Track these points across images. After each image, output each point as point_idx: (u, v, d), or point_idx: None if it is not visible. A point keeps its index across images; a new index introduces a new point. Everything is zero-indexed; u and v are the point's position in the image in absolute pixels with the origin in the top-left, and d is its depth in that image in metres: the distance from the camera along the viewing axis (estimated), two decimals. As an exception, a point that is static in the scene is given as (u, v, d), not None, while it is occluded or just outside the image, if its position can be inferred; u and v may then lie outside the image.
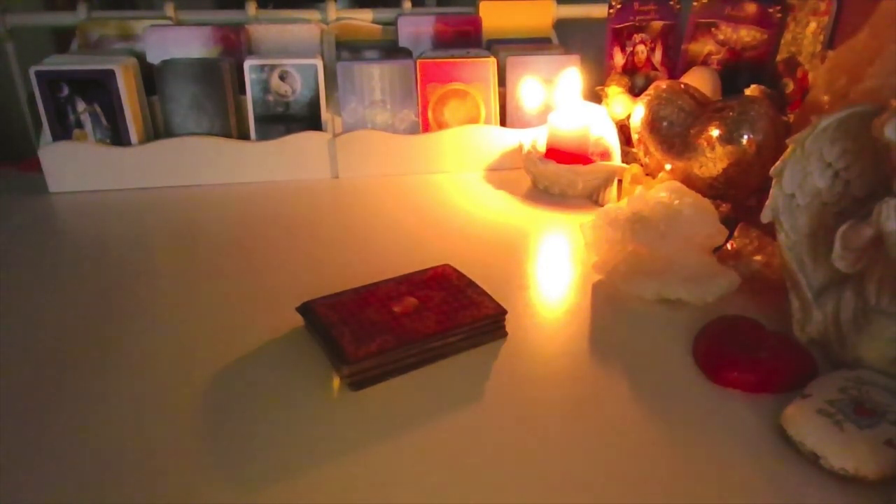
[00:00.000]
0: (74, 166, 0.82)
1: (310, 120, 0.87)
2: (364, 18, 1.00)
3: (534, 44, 0.98)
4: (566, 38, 1.02)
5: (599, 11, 0.95)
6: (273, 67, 0.85)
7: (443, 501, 0.41)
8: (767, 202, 0.53)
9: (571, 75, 0.87)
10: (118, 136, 0.83)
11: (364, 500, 0.41)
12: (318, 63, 0.85)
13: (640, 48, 0.94)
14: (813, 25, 0.82)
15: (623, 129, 0.85)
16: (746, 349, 0.52)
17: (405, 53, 0.95)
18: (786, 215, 0.53)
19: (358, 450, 0.44)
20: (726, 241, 0.65)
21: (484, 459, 0.44)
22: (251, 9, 0.97)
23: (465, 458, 0.44)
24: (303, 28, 0.94)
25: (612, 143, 0.83)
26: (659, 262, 0.61)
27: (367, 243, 0.73)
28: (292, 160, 0.87)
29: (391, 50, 0.97)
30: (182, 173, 0.85)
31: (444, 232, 0.75)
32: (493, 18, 1.00)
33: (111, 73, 0.81)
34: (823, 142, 0.51)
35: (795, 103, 0.80)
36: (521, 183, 0.86)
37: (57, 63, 0.81)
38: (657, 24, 0.93)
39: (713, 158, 0.68)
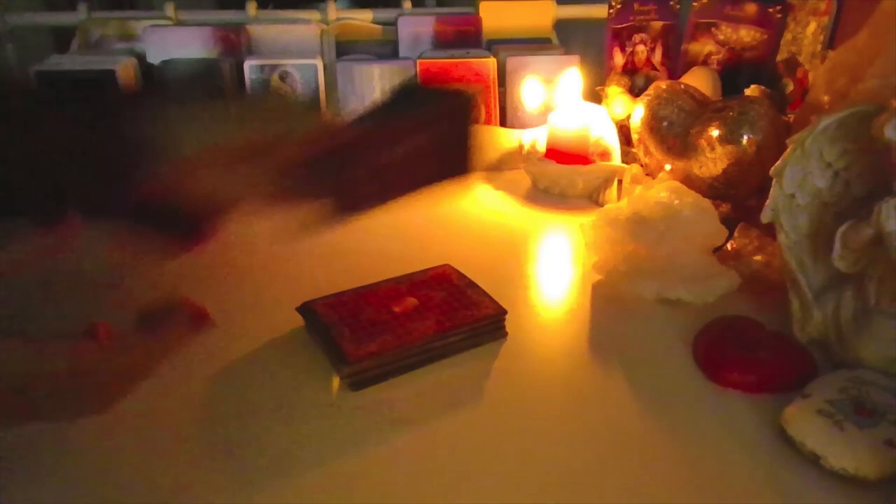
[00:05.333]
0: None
1: (310, 120, 0.87)
2: (364, 18, 1.00)
3: (534, 44, 0.98)
4: (566, 38, 1.02)
5: (599, 11, 0.95)
6: (273, 67, 0.85)
7: (443, 501, 0.41)
8: (767, 202, 0.53)
9: (571, 75, 0.87)
10: (118, 136, 0.83)
11: (364, 500, 0.41)
12: (318, 63, 0.85)
13: (640, 48, 0.93)
14: (813, 25, 0.82)
15: (623, 129, 0.85)
16: (746, 349, 0.52)
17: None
18: (786, 215, 0.53)
19: (358, 450, 0.44)
20: (726, 241, 0.65)
21: (484, 459, 0.44)
22: (251, 9, 0.97)
23: (465, 458, 0.44)
24: (303, 28, 0.94)
25: (612, 143, 0.83)
26: (659, 262, 0.61)
27: (367, 243, 0.73)
28: (292, 160, 0.87)
29: (391, 50, 0.98)
30: (182, 173, 0.85)
31: (444, 232, 0.75)
32: (493, 18, 1.00)
33: (111, 73, 0.81)
34: (823, 142, 0.51)
35: (795, 103, 0.80)
36: (521, 183, 0.86)
37: (57, 63, 0.81)
38: (657, 24, 0.93)
39: (713, 158, 0.68)
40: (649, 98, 0.76)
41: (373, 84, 0.87)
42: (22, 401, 0.33)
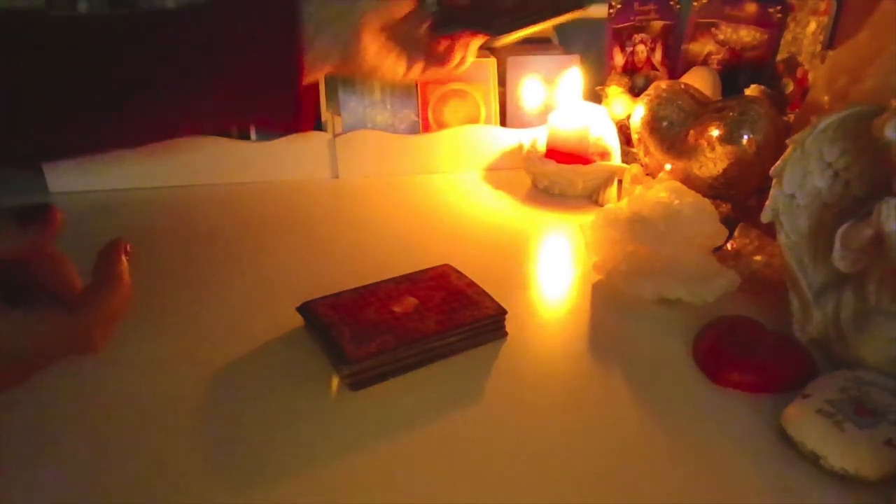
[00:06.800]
0: (74, 166, 0.82)
1: (310, 120, 0.87)
2: (364, 18, 1.00)
3: (534, 44, 0.98)
4: (566, 38, 1.02)
5: (599, 11, 0.95)
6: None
7: (443, 501, 0.41)
8: (767, 202, 0.53)
9: (572, 75, 0.87)
10: (118, 136, 0.83)
11: (364, 500, 0.41)
12: (318, 63, 0.85)
13: (640, 48, 0.93)
14: (813, 25, 0.82)
15: (623, 129, 0.85)
16: (746, 349, 0.52)
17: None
18: (786, 215, 0.53)
19: (358, 450, 0.44)
20: (726, 241, 0.65)
21: (484, 459, 0.44)
22: None
23: (465, 458, 0.44)
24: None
25: (612, 143, 0.83)
26: (659, 262, 0.61)
27: (367, 243, 0.73)
28: (292, 160, 0.87)
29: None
30: (182, 173, 0.85)
31: (444, 232, 0.75)
32: (493, 18, 1.00)
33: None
34: (823, 142, 0.51)
35: (795, 103, 0.80)
36: (521, 183, 0.86)
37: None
38: (657, 24, 0.93)
39: (713, 158, 0.68)
40: (649, 98, 0.76)
41: (373, 84, 0.87)
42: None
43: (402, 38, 0.54)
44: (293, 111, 0.51)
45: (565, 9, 0.55)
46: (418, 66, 0.55)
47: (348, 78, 0.85)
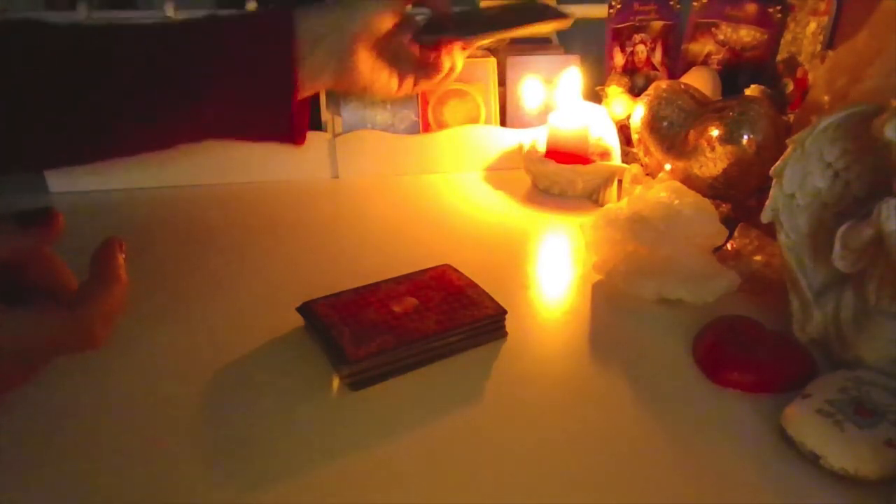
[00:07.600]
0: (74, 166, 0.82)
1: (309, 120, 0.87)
2: (364, 18, 0.99)
3: (534, 44, 0.98)
4: (566, 38, 1.02)
5: (599, 11, 0.95)
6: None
7: (443, 501, 0.41)
8: (767, 202, 0.53)
9: (571, 75, 0.87)
10: (118, 136, 0.83)
11: (364, 500, 0.41)
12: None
13: (640, 48, 0.93)
14: (813, 25, 0.82)
15: (623, 129, 0.85)
16: (746, 349, 0.52)
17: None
18: (786, 215, 0.53)
19: (358, 450, 0.44)
20: (726, 241, 0.65)
21: (484, 459, 0.44)
22: (251, 9, 0.97)
23: (465, 458, 0.44)
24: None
25: (612, 143, 0.83)
26: (659, 262, 0.61)
27: (367, 243, 0.73)
28: (292, 160, 0.87)
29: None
30: (182, 173, 0.85)
31: (444, 232, 0.75)
32: (493, 18, 1.00)
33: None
34: (823, 142, 0.51)
35: (795, 103, 0.80)
36: (521, 183, 0.86)
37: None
38: (657, 24, 0.93)
39: (713, 158, 0.68)
40: (649, 98, 0.76)
41: (373, 84, 0.87)
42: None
43: (392, 52, 0.55)
44: (288, 126, 0.52)
45: (545, 17, 0.57)
46: (409, 81, 0.57)
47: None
